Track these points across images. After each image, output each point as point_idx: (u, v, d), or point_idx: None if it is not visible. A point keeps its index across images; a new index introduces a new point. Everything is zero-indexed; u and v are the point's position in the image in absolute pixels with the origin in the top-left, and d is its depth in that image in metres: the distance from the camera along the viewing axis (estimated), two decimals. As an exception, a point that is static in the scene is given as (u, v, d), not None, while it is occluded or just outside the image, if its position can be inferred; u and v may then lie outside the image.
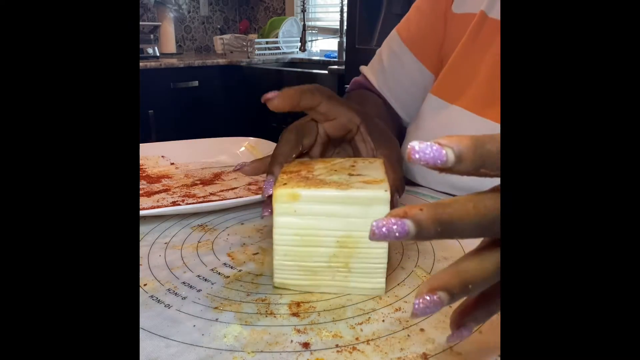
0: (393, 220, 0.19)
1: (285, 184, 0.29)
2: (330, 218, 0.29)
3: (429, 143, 0.19)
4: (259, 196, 0.44)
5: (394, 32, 0.66)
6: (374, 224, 0.19)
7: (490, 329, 0.27)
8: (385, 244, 0.29)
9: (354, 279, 0.30)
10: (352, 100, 0.63)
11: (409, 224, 0.19)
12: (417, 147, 0.19)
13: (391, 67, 0.65)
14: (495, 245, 0.20)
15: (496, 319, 0.28)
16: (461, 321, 0.22)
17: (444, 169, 0.19)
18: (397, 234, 0.19)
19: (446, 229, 0.19)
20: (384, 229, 0.19)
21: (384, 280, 0.30)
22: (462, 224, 0.19)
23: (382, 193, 0.28)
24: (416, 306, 0.19)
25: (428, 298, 0.19)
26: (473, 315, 0.22)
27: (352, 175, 0.31)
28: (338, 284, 0.30)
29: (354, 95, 0.66)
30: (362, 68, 0.69)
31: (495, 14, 0.54)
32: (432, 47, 0.62)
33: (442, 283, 0.19)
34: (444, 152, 0.19)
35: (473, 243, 0.21)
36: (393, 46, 0.65)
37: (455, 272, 0.20)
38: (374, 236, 0.19)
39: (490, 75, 0.52)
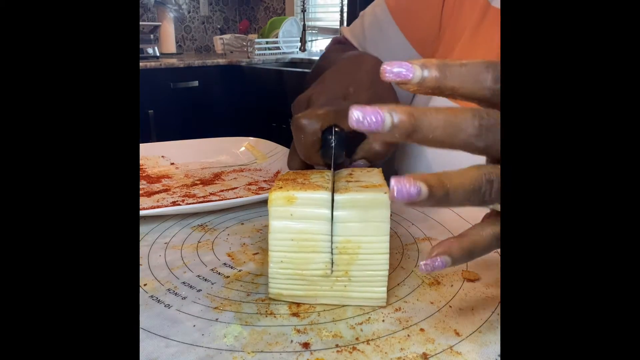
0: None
1: (281, 187, 0.29)
2: (327, 222, 0.28)
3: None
4: (259, 196, 0.44)
5: None
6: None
7: (491, 328, 0.27)
8: (386, 250, 0.28)
9: (354, 288, 0.29)
10: (345, 67, 0.44)
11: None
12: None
13: (372, 35, 0.58)
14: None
15: (496, 319, 0.28)
16: (437, 251, 0.24)
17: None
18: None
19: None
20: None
21: (385, 289, 0.28)
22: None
23: (382, 195, 0.27)
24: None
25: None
26: (449, 249, 0.24)
27: (350, 182, 0.30)
28: (337, 294, 0.29)
29: (349, 60, 0.46)
30: (343, 29, 0.63)
31: (498, 2, 0.49)
32: (421, 22, 0.55)
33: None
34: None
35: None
36: (377, 12, 0.58)
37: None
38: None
39: None
